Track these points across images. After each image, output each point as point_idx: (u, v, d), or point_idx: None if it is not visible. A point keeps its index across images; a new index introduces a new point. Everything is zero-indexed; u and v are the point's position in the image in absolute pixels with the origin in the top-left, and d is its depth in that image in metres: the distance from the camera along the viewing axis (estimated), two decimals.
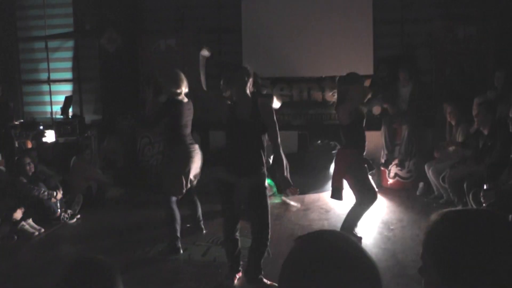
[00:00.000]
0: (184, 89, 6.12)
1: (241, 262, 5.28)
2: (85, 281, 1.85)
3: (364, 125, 6.13)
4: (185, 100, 6.15)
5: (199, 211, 6.89)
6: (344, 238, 1.46)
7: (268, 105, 5.00)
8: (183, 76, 6.16)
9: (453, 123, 8.26)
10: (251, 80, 4.83)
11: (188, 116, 6.18)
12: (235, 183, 4.77)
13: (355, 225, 6.10)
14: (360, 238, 6.08)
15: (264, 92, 7.52)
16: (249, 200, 4.84)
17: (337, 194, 6.14)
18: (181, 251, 6.11)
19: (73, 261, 1.92)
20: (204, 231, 6.88)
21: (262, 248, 4.96)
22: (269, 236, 4.92)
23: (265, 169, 4.90)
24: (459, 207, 1.62)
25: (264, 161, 4.89)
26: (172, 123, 6.10)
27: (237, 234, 5.09)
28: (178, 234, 6.12)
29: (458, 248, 1.53)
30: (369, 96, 6.62)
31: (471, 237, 1.53)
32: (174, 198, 6.16)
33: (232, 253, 5.15)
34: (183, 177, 6.08)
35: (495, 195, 5.89)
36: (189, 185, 6.24)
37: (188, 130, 6.22)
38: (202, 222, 6.91)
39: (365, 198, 5.95)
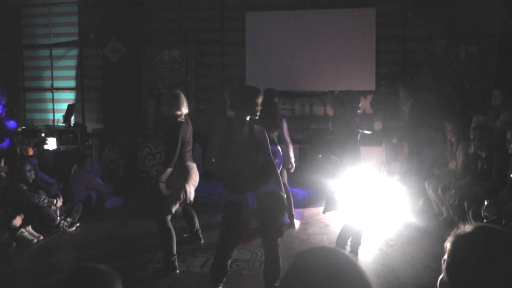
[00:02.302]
0: (184, 110, 6.09)
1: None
2: None
3: (358, 140, 6.11)
4: (183, 120, 6.10)
5: (197, 221, 6.88)
6: (343, 256, 1.48)
7: (264, 133, 4.90)
8: (183, 98, 6.14)
9: (453, 141, 8.27)
10: (258, 102, 4.80)
11: (187, 135, 6.11)
12: (240, 201, 4.71)
13: (347, 240, 6.10)
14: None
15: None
16: (260, 211, 4.76)
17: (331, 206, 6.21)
18: (177, 270, 5.93)
19: (73, 269, 1.92)
20: (202, 241, 6.87)
21: (275, 257, 4.81)
22: (278, 248, 4.81)
23: (275, 177, 4.79)
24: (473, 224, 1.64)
25: (272, 171, 4.81)
26: (173, 143, 5.97)
27: (229, 261, 4.98)
28: (175, 252, 5.96)
29: (488, 265, 1.55)
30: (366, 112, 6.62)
31: (506, 258, 1.55)
32: (169, 216, 6.02)
33: (222, 269, 4.96)
34: (181, 194, 6.00)
35: (496, 211, 5.90)
36: (186, 201, 6.19)
37: (188, 147, 6.15)
38: (200, 232, 6.90)
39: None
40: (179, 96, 6.12)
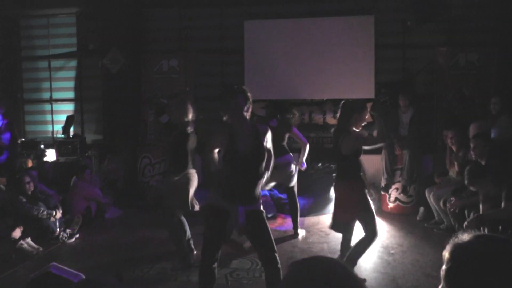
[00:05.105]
0: (191, 117, 6.37)
1: None
2: None
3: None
4: (191, 129, 6.40)
5: (188, 231, 6.87)
6: (338, 266, 1.46)
7: (267, 132, 4.76)
8: (190, 105, 6.45)
9: (454, 148, 8.25)
10: (249, 105, 4.67)
11: (193, 144, 6.48)
12: (230, 210, 4.58)
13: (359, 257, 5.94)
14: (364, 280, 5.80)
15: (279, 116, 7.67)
16: (250, 228, 4.69)
17: (338, 227, 6.01)
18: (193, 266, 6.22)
19: (80, 282, 1.89)
20: (195, 252, 6.80)
21: (276, 273, 4.63)
22: (278, 260, 4.64)
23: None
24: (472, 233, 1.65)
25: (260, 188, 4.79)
26: (181, 151, 6.36)
27: (215, 264, 4.82)
28: (187, 249, 6.36)
29: (486, 274, 1.54)
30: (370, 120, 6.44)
31: (503, 266, 1.54)
32: (176, 218, 6.35)
33: (209, 273, 4.83)
34: (188, 197, 6.29)
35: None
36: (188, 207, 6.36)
37: (192, 155, 6.50)
38: (192, 242, 6.87)
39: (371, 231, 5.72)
40: (186, 103, 6.49)
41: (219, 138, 4.75)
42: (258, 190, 4.70)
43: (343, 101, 5.88)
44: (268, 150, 4.75)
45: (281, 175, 7.37)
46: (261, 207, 4.73)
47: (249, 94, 4.65)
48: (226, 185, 4.66)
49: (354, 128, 5.68)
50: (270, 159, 4.77)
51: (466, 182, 6.31)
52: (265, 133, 4.72)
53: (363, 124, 5.78)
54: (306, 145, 7.65)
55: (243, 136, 4.59)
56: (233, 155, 4.58)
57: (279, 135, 7.35)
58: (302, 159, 7.66)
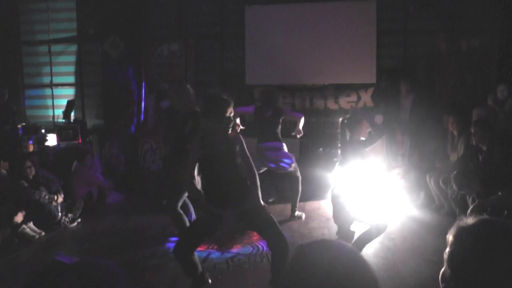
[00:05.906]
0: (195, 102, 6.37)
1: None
2: (89, 285, 1.77)
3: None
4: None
5: (193, 214, 6.92)
6: (348, 250, 1.47)
7: (239, 138, 4.83)
8: (192, 92, 6.55)
9: (455, 133, 8.25)
10: (230, 110, 4.70)
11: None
12: (222, 215, 4.69)
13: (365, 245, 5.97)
14: None
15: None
16: (246, 225, 4.78)
17: None
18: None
19: (76, 263, 1.87)
20: None
21: (283, 257, 4.62)
22: (286, 242, 4.67)
23: (255, 188, 4.77)
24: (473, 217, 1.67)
25: (252, 181, 4.79)
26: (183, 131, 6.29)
27: (192, 255, 4.90)
28: None
29: (489, 257, 1.55)
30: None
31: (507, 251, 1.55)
32: (180, 203, 6.38)
33: (195, 271, 4.95)
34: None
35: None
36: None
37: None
38: None
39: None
40: (188, 89, 6.54)
41: (196, 149, 4.81)
42: (245, 187, 4.76)
43: (340, 119, 5.88)
44: (245, 156, 4.80)
45: (271, 157, 7.47)
46: (259, 200, 4.73)
47: (232, 101, 4.72)
48: (211, 192, 4.78)
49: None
50: (251, 168, 4.81)
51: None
52: (237, 142, 4.78)
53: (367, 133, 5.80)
54: (301, 118, 7.89)
55: (216, 140, 4.69)
56: (209, 157, 4.70)
57: (274, 122, 7.66)
58: (299, 128, 7.85)
